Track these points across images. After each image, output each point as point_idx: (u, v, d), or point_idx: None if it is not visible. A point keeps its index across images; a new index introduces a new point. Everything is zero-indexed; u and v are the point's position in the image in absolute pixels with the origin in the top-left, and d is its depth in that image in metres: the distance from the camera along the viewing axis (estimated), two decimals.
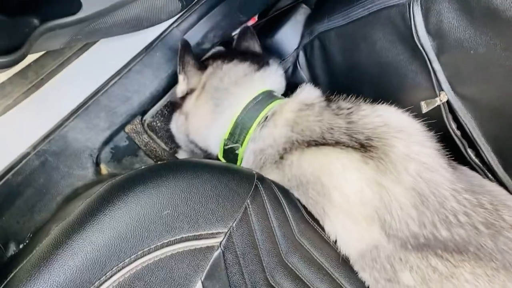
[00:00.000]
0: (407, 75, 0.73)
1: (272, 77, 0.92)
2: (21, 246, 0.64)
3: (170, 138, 1.13)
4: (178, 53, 0.90)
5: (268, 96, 0.87)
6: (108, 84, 0.87)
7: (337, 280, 0.74)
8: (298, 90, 0.87)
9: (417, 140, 0.71)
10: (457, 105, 0.67)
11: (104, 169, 0.86)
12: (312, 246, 0.73)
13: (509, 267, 0.63)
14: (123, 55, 0.91)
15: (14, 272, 0.53)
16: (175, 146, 1.10)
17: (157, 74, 0.96)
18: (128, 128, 0.93)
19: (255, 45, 1.01)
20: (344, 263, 0.76)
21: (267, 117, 0.84)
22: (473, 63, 0.61)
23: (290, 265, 0.70)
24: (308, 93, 0.85)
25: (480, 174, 0.75)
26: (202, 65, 0.93)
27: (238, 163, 0.88)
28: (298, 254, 0.71)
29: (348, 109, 0.77)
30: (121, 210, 0.58)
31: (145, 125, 1.02)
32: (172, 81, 0.99)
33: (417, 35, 0.66)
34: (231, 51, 1.02)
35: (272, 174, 0.79)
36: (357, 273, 0.75)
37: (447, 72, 0.66)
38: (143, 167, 0.65)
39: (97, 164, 0.85)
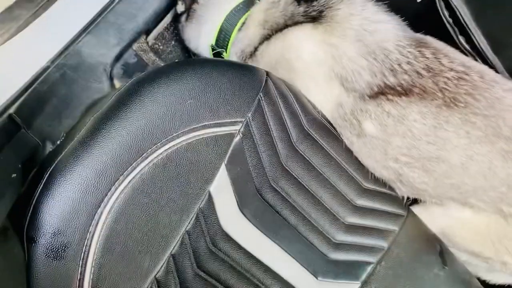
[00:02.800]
0: None
1: None
2: (57, 143, 0.70)
3: (172, 60, 1.17)
4: None
5: (248, 4, 0.96)
6: (114, 1, 0.90)
7: (341, 164, 0.82)
8: None
9: (360, 2, 0.81)
10: None
11: (117, 84, 0.91)
12: (319, 135, 0.80)
13: (450, 103, 0.72)
14: None
15: (59, 157, 0.59)
16: None
17: None
18: (135, 46, 0.96)
19: None
20: (347, 150, 0.83)
21: (244, 22, 0.94)
22: None
23: (301, 152, 0.77)
24: None
25: None
26: None
27: None
28: (307, 143, 0.78)
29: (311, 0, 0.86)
30: (149, 99, 0.63)
31: (149, 45, 1.05)
32: None
33: None
34: None
35: None
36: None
37: None
38: (164, 64, 0.70)
39: (111, 79, 0.89)
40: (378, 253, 0.86)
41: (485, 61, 0.78)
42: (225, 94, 0.69)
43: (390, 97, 0.75)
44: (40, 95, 0.73)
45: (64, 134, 0.71)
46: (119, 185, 0.60)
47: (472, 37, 0.76)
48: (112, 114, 0.62)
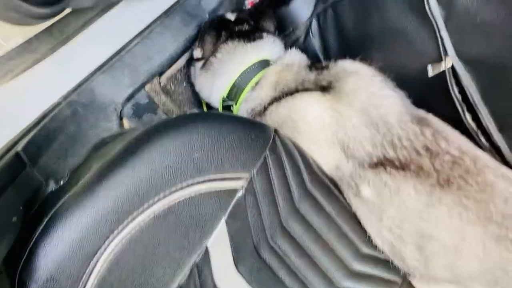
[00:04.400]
0: (415, 41, 0.80)
1: (268, 47, 1.03)
2: (61, 183, 0.70)
3: (183, 102, 1.18)
4: (201, 32, 1.05)
5: (263, 64, 0.99)
6: (131, 43, 0.92)
7: (341, 227, 0.81)
8: (284, 54, 1.01)
9: (368, 76, 0.85)
10: (461, 69, 0.74)
11: (126, 123, 0.92)
12: (321, 196, 0.80)
13: (443, 184, 0.74)
14: (145, 17, 0.96)
15: (62, 200, 0.59)
16: (188, 109, 1.16)
17: (176, 37, 1.01)
18: (147, 87, 0.98)
19: (270, 26, 1.12)
20: (347, 211, 0.83)
21: (258, 82, 0.97)
22: (478, 30, 0.67)
23: (302, 212, 0.77)
24: (291, 56, 0.99)
25: (474, 138, 0.83)
26: (217, 38, 1.04)
27: None
28: (309, 203, 0.78)
29: (322, 68, 0.91)
30: (157, 150, 0.64)
31: (161, 86, 1.07)
32: (189, 44, 1.04)
33: (428, 4, 0.72)
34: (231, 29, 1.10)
35: None
36: (358, 220, 0.84)
37: (453, 39, 0.72)
38: (175, 116, 0.71)
39: (120, 118, 0.90)
40: None
41: (489, 139, 0.79)
42: (232, 149, 0.69)
43: (388, 169, 0.77)
44: (49, 132, 0.74)
45: (68, 174, 0.71)
46: (117, 234, 0.60)
47: (479, 115, 0.77)
48: (119, 162, 0.62)
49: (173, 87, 1.16)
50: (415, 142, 0.77)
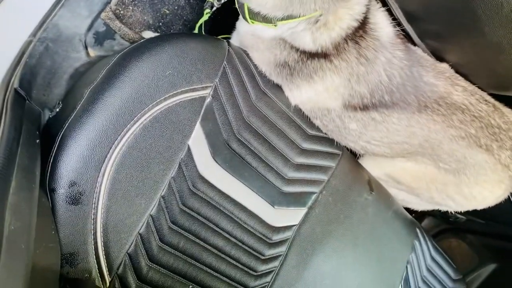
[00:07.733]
0: None
1: None
2: (56, 110, 0.81)
3: (134, 24, 1.26)
4: None
5: None
6: None
7: (291, 116, 1.00)
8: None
9: (389, 45, 0.90)
10: None
11: (91, 52, 1.00)
12: (273, 94, 0.97)
13: (421, 109, 0.91)
14: None
15: (67, 122, 0.72)
16: (139, 30, 1.25)
17: None
18: (103, 15, 1.05)
19: None
20: (300, 110, 1.02)
21: (318, 20, 0.86)
22: None
23: (259, 108, 0.94)
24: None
25: None
26: None
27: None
28: (264, 101, 0.95)
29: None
30: (136, 72, 0.77)
31: (113, 13, 1.14)
32: None
33: None
34: None
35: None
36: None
37: None
38: (143, 40, 0.82)
39: (85, 47, 0.99)
40: (320, 184, 1.07)
41: (404, 30, 0.97)
42: (196, 64, 0.83)
43: (380, 109, 0.91)
44: (31, 69, 0.83)
45: (60, 102, 0.82)
46: (118, 143, 0.75)
47: (391, 9, 0.94)
48: (106, 86, 0.75)
49: (122, 11, 1.22)
50: (407, 83, 0.89)
